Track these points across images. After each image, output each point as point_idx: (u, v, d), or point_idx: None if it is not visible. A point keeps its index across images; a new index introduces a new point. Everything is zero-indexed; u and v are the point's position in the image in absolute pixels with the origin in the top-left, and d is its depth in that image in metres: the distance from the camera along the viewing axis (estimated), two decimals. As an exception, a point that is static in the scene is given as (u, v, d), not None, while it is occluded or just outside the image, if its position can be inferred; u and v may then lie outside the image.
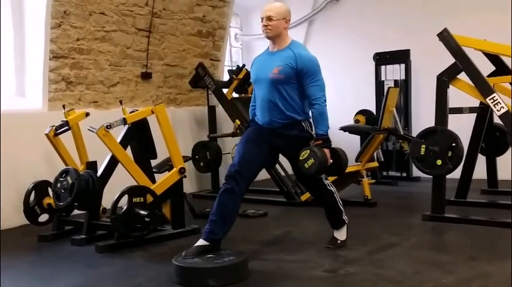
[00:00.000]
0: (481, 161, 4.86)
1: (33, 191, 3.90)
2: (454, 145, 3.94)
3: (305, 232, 3.96)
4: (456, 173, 4.25)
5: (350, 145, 5.74)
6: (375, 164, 5.26)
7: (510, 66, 4.33)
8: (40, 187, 3.93)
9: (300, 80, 3.12)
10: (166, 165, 4.06)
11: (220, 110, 5.84)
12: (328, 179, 3.44)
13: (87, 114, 4.06)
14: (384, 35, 6.61)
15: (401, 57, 6.36)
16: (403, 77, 6.41)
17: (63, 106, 4.15)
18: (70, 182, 3.58)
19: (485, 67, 4.23)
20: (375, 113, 6.11)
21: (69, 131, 4.03)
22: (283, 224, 4.24)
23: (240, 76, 5.68)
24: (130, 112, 3.91)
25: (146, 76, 5.63)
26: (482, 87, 3.88)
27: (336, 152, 3.26)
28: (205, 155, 5.59)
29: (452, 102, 4.15)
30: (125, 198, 3.49)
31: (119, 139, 3.80)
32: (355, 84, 6.95)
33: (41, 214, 3.93)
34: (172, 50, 5.86)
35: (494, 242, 3.49)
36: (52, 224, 3.94)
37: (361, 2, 6.97)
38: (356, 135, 5.91)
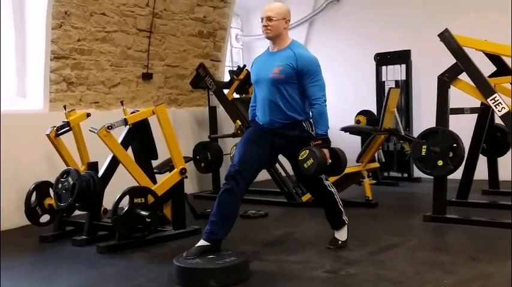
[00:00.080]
0: (482, 161, 4.86)
1: (35, 192, 3.90)
2: (455, 145, 3.94)
3: (306, 233, 3.95)
4: (457, 174, 4.25)
5: (351, 145, 5.74)
6: (376, 164, 5.25)
7: (511, 67, 4.32)
8: (41, 188, 3.93)
9: (301, 80, 3.13)
10: (167, 166, 4.06)
11: (221, 110, 5.84)
12: (328, 179, 3.44)
13: (88, 115, 4.06)
14: (385, 36, 6.61)
15: (402, 57, 6.36)
16: (403, 77, 6.41)
17: (64, 107, 4.15)
18: (71, 182, 3.58)
19: (486, 67, 4.23)
20: (375, 113, 6.11)
21: (70, 132, 4.02)
22: (284, 225, 4.23)
23: (241, 77, 5.68)
24: (131, 113, 3.91)
25: (147, 77, 5.63)
26: (483, 87, 3.87)
27: (335, 152, 3.26)
28: (206, 155, 5.60)
29: (453, 103, 4.15)
30: (126, 199, 3.49)
31: (120, 140, 3.80)
32: (355, 84, 6.95)
33: (42, 215, 3.94)
34: (173, 51, 5.87)
35: (495, 242, 3.49)
36: (53, 224, 3.94)
37: (362, 2, 6.97)
38: (357, 136, 5.91)
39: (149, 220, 3.49)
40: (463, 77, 4.05)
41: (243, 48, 7.71)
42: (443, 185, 4.11)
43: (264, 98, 3.18)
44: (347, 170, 4.60)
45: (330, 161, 3.17)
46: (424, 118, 6.01)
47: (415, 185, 6.05)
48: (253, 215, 4.53)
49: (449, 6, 6.23)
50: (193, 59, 6.07)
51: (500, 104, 3.80)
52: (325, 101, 3.15)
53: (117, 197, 3.46)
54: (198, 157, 5.63)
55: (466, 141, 4.26)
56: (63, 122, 3.99)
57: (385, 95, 5.30)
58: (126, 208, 3.46)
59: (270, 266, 3.09)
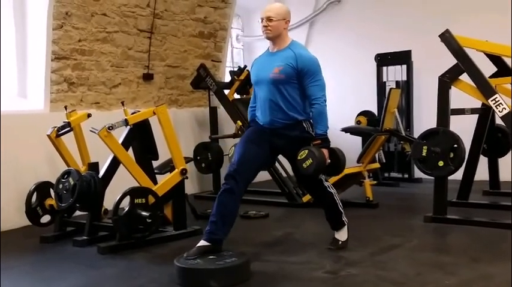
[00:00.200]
0: (482, 162, 4.85)
1: (35, 192, 3.90)
2: (455, 146, 3.94)
3: (306, 233, 3.95)
4: (458, 175, 4.24)
5: (351, 146, 5.74)
6: (377, 165, 5.25)
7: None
8: (42, 188, 3.93)
9: (301, 80, 3.13)
10: (168, 166, 4.06)
11: (221, 111, 5.84)
12: (328, 180, 3.44)
13: (89, 116, 4.06)
14: (386, 36, 6.60)
15: (403, 58, 6.36)
16: (404, 78, 6.41)
17: (65, 107, 4.15)
18: (72, 183, 3.59)
19: (487, 68, 4.23)
20: (376, 114, 6.11)
21: (71, 132, 4.02)
22: (284, 226, 4.23)
23: (242, 77, 5.68)
24: (132, 113, 3.91)
25: (148, 77, 5.63)
26: (484, 88, 3.87)
27: (334, 152, 3.26)
28: (207, 156, 5.60)
29: (454, 103, 4.15)
30: (127, 199, 3.49)
31: (120, 140, 3.81)
32: (356, 85, 6.94)
33: (42, 215, 3.93)
34: (173, 51, 5.87)
35: (496, 243, 3.49)
36: (54, 225, 3.94)
37: (363, 3, 6.97)
38: (358, 137, 5.90)
39: (150, 220, 3.48)
40: (464, 77, 4.05)
41: (243, 48, 7.71)
42: (444, 185, 4.10)
43: (265, 98, 3.18)
44: (348, 171, 4.63)
45: (329, 161, 3.17)
46: (424, 119, 6.00)
47: (416, 186, 6.05)
48: (253, 216, 4.53)
49: (450, 6, 6.22)
50: (194, 60, 6.07)
51: (501, 105, 3.79)
52: (325, 101, 3.16)
53: (118, 198, 3.47)
54: (198, 158, 5.63)
55: (467, 142, 4.26)
56: (64, 122, 3.99)
57: (386, 95, 5.30)
58: (126, 209, 3.46)
59: (271, 267, 3.09)
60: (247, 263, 2.93)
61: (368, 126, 5.67)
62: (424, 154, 4.01)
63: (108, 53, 5.20)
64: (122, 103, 4.02)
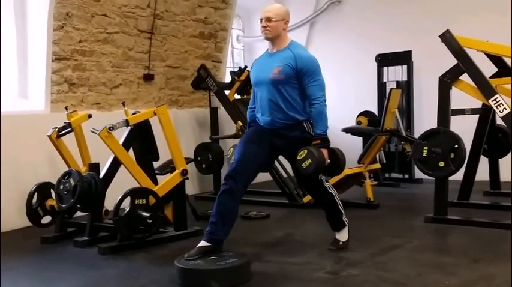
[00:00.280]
0: (483, 162, 4.85)
1: (36, 193, 3.90)
2: (456, 146, 3.93)
3: (307, 234, 3.95)
4: (459, 175, 4.23)
5: (352, 146, 5.74)
6: (377, 165, 5.25)
7: (512, 68, 4.32)
8: (43, 189, 3.93)
9: (300, 80, 3.13)
10: (169, 167, 4.06)
11: (222, 111, 5.84)
12: (328, 181, 3.44)
13: (90, 116, 4.06)
14: (386, 36, 6.61)
15: (404, 58, 6.36)
16: (405, 78, 6.41)
17: (66, 108, 4.15)
18: (72, 183, 3.59)
19: (488, 68, 4.23)
20: (377, 114, 6.11)
21: (72, 133, 4.03)
22: (285, 226, 4.23)
23: (242, 78, 5.68)
24: (133, 114, 3.91)
25: (148, 78, 5.63)
26: (485, 88, 3.87)
27: (334, 152, 3.25)
28: (208, 156, 5.60)
29: (454, 104, 4.15)
30: (128, 200, 3.49)
31: (121, 141, 3.81)
32: (357, 85, 6.94)
33: (43, 216, 3.93)
34: (174, 52, 5.87)
35: (497, 244, 3.48)
36: (54, 226, 3.94)
37: (363, 3, 6.98)
38: (358, 137, 5.91)
39: (150, 221, 3.48)
40: (465, 78, 4.04)
41: (244, 49, 7.72)
42: (444, 186, 4.10)
43: (265, 98, 3.19)
44: (348, 171, 4.63)
45: (329, 161, 3.17)
46: (425, 119, 6.00)
47: (417, 186, 6.04)
48: (254, 216, 4.53)
49: (450, 7, 6.23)
50: (195, 60, 6.07)
51: (501, 105, 3.79)
52: (324, 100, 3.16)
53: (119, 198, 3.46)
54: (199, 158, 5.63)
55: (468, 143, 4.26)
56: (64, 123, 3.99)
57: (387, 96, 5.30)
58: (127, 209, 3.46)
59: (271, 268, 3.09)
60: (248, 264, 2.93)
61: (368, 127, 5.67)
62: (424, 154, 4.01)
63: (109, 54, 5.20)
64: (123, 104, 4.02)
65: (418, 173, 5.59)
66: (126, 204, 3.50)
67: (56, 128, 4.00)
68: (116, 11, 5.18)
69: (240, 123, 5.29)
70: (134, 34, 5.39)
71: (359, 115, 6.07)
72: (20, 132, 4.44)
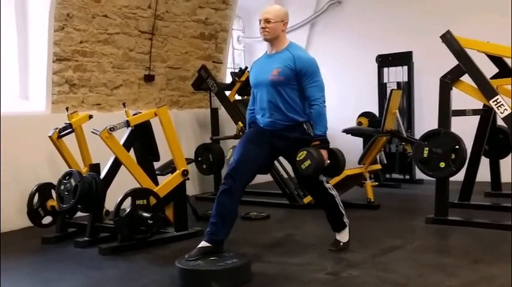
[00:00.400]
0: (484, 163, 4.85)
1: (37, 193, 3.90)
2: (457, 147, 3.93)
3: (308, 235, 3.95)
4: (459, 176, 4.23)
5: (353, 147, 5.74)
6: (378, 166, 5.25)
7: (513, 68, 4.32)
8: (43, 189, 3.93)
9: (299, 82, 3.13)
10: (169, 167, 4.06)
11: (222, 112, 5.85)
12: (329, 182, 3.44)
13: (91, 117, 4.06)
14: (387, 37, 6.61)
15: (404, 59, 6.36)
16: (405, 79, 6.41)
17: (67, 108, 4.15)
18: (73, 184, 3.59)
19: (489, 69, 4.22)
20: (377, 115, 6.11)
21: (73, 134, 4.03)
22: (285, 227, 4.23)
23: (243, 78, 5.68)
24: (134, 114, 3.91)
25: (149, 78, 5.64)
26: (486, 89, 3.87)
27: (334, 152, 3.25)
28: (208, 157, 5.60)
29: (455, 105, 4.15)
30: (128, 200, 3.49)
31: (122, 141, 3.81)
32: (357, 86, 6.94)
33: (44, 216, 3.94)
34: (175, 53, 5.87)
35: (498, 245, 3.48)
36: (55, 226, 3.94)
37: (363, 4, 6.98)
38: (359, 138, 5.91)
39: (151, 221, 3.49)
40: (465, 78, 4.04)
41: (244, 50, 7.72)
42: (445, 187, 4.10)
43: (264, 100, 3.18)
44: (349, 172, 4.63)
45: (328, 161, 3.17)
46: (426, 120, 6.00)
47: (417, 187, 6.04)
48: (254, 217, 4.53)
49: (450, 7, 6.23)
50: (195, 61, 6.07)
51: (502, 106, 3.79)
52: (324, 101, 3.15)
53: (119, 199, 3.46)
54: (199, 159, 5.64)
55: (468, 143, 4.25)
56: (65, 123, 3.99)
57: (387, 96, 5.30)
58: (128, 210, 3.47)
59: (272, 268, 3.09)
60: (248, 265, 2.93)
61: (369, 128, 5.67)
62: (425, 155, 4.01)
63: (110, 55, 5.21)
64: (123, 104, 4.02)
65: (419, 174, 5.59)
66: (127, 205, 3.50)
67: (57, 128, 4.01)
68: (116, 12, 5.18)
69: (240, 123, 5.29)
70: (135, 35, 5.40)
71: (359, 116, 6.07)
72: (20, 133, 4.44)
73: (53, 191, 3.90)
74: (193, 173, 5.55)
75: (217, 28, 6.30)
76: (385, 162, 5.70)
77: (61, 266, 3.33)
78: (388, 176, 6.44)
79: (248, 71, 5.59)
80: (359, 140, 6.00)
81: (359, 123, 5.95)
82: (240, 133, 5.23)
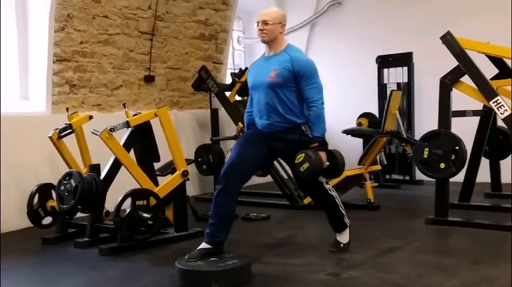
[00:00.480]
0: (484, 164, 4.85)
1: (37, 194, 3.90)
2: (457, 148, 3.93)
3: (308, 236, 3.95)
4: (459, 177, 4.24)
5: (353, 148, 5.75)
6: (378, 167, 5.25)
7: (513, 69, 4.32)
8: (44, 190, 3.93)
9: (298, 83, 3.13)
10: (169, 168, 4.06)
11: (222, 113, 5.85)
12: (329, 183, 3.43)
13: (91, 117, 4.06)
14: (387, 38, 6.61)
15: (404, 60, 6.36)
16: (405, 79, 6.41)
17: (67, 109, 4.15)
18: (73, 185, 3.59)
19: (489, 70, 4.23)
20: (377, 116, 6.11)
21: (73, 134, 4.03)
22: (286, 228, 4.23)
23: (243, 79, 5.68)
24: (134, 115, 3.91)
25: (149, 79, 5.64)
26: (486, 90, 3.87)
27: (333, 154, 3.24)
28: (208, 158, 5.60)
29: (455, 105, 4.15)
30: (128, 201, 3.49)
31: (122, 142, 3.81)
32: (357, 87, 6.95)
33: (44, 217, 3.94)
34: (175, 53, 5.87)
35: (498, 246, 3.48)
36: (55, 226, 3.94)
37: (364, 4, 6.98)
38: (359, 139, 5.91)
39: (151, 222, 3.49)
40: (465, 79, 4.04)
41: (244, 50, 7.72)
42: (445, 187, 4.10)
43: (262, 102, 3.17)
44: (349, 173, 4.63)
45: (328, 163, 3.16)
46: (426, 121, 6.00)
47: (417, 188, 6.04)
48: (255, 218, 4.53)
49: (451, 8, 6.23)
50: (195, 62, 6.08)
51: (502, 107, 3.79)
52: (322, 103, 3.15)
53: (119, 199, 3.47)
54: (199, 159, 5.63)
55: (468, 144, 4.26)
56: (65, 124, 3.99)
57: (387, 97, 5.30)
58: (128, 210, 3.47)
59: (272, 269, 3.09)
60: (249, 265, 2.93)
61: (369, 128, 5.66)
62: (425, 155, 4.01)
63: (110, 55, 5.21)
64: (124, 105, 4.02)
65: (419, 175, 5.58)
66: (127, 205, 3.50)
67: (57, 129, 4.00)
68: (116, 13, 5.18)
69: (240, 124, 5.29)
70: (135, 35, 5.40)
71: (359, 117, 6.07)
72: (21, 133, 4.44)
73: (53, 191, 3.90)
74: (193, 173, 5.55)
75: (217, 29, 6.31)
76: (385, 163, 5.70)
77: (61, 266, 3.33)
78: (388, 177, 6.44)
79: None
80: (359, 141, 6.00)
81: (359, 124, 5.94)
82: (240, 134, 5.23)
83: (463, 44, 3.98)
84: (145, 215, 3.48)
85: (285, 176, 5.27)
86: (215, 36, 6.31)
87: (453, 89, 4.10)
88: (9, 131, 4.30)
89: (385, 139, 5.05)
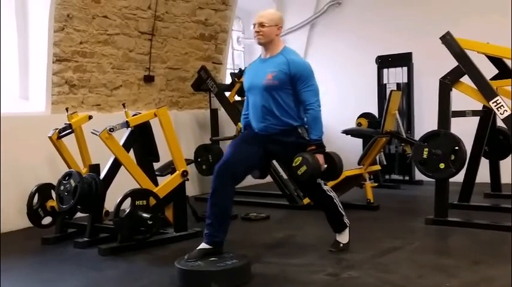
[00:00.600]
0: (484, 164, 4.85)
1: (37, 194, 3.90)
2: (457, 148, 3.93)
3: (308, 236, 3.95)
4: (459, 177, 4.24)
5: (352, 148, 5.76)
6: (378, 167, 5.25)
7: (513, 70, 4.32)
8: (43, 190, 3.93)
9: (294, 86, 3.12)
10: (169, 168, 4.06)
11: (222, 113, 5.85)
12: (327, 184, 3.43)
13: (90, 117, 4.06)
14: (386, 38, 6.61)
15: (404, 60, 6.36)
16: (405, 80, 6.42)
17: (66, 109, 4.15)
18: (73, 185, 3.59)
19: (488, 70, 4.23)
20: (377, 116, 6.11)
21: (72, 134, 4.03)
22: (285, 228, 4.23)
23: (242, 79, 5.68)
24: (133, 115, 3.91)
25: (149, 79, 5.64)
26: (485, 90, 3.87)
27: (330, 157, 3.23)
28: (208, 158, 5.60)
29: (455, 106, 4.15)
30: (128, 201, 3.49)
31: (121, 142, 3.81)
32: (357, 87, 6.95)
33: (44, 217, 3.93)
34: (174, 53, 5.87)
35: (498, 246, 3.48)
36: (55, 226, 3.94)
37: (363, 5, 6.98)
38: (358, 139, 5.91)
39: (151, 222, 3.49)
40: (465, 79, 4.05)
41: (244, 51, 7.72)
42: (445, 188, 4.10)
43: (258, 104, 3.16)
44: (348, 173, 4.63)
45: (326, 166, 3.16)
46: (425, 121, 6.00)
47: (417, 188, 6.04)
48: (254, 218, 4.53)
49: (450, 8, 6.24)
50: (195, 62, 6.07)
51: (502, 107, 3.79)
52: (319, 105, 3.14)
53: (119, 200, 3.47)
54: (199, 159, 5.64)
55: (468, 144, 4.26)
56: (65, 124, 3.99)
57: (387, 97, 5.30)
58: (127, 210, 3.46)
59: (272, 269, 3.09)
60: (248, 265, 2.93)
61: (369, 129, 5.67)
62: (425, 156, 4.01)
63: (109, 55, 5.21)
64: (123, 105, 4.02)
65: (419, 175, 5.58)
66: (127, 205, 3.50)
67: (57, 129, 4.00)
68: (116, 13, 5.18)
69: (240, 124, 5.25)
70: (135, 36, 5.40)
71: (359, 117, 6.07)
72: (20, 133, 4.44)
73: (52, 191, 3.90)
74: (193, 173, 5.56)
75: (217, 29, 6.31)
76: (385, 163, 5.71)
77: (61, 266, 3.32)
78: (387, 177, 6.44)
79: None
80: (358, 141, 6.00)
81: (359, 124, 5.95)
82: (240, 134, 5.24)
83: (463, 44, 3.98)
84: (145, 215, 3.48)
85: (285, 176, 5.27)
86: (215, 37, 6.31)
87: (453, 89, 4.10)
88: (9, 131, 4.30)
89: (384, 139, 5.06)
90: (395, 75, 6.47)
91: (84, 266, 3.29)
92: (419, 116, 6.41)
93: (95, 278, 3.09)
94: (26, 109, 4.75)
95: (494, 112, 3.95)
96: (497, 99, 3.81)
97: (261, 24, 3.14)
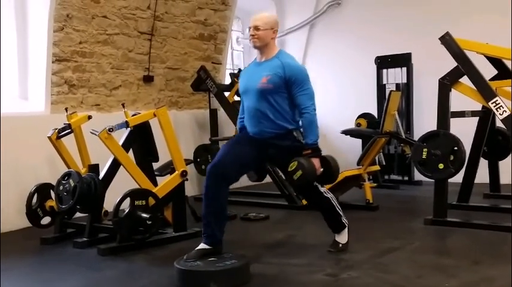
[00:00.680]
0: (483, 165, 4.85)
1: (36, 194, 3.90)
2: (456, 148, 3.94)
3: (307, 236, 3.95)
4: (458, 177, 4.24)
5: (351, 148, 5.76)
6: (377, 167, 5.25)
7: (512, 70, 4.33)
8: (42, 190, 3.93)
9: (289, 90, 3.11)
10: (168, 168, 4.06)
11: (221, 113, 5.85)
12: (324, 186, 3.43)
13: (90, 117, 4.07)
14: (386, 38, 6.61)
15: (403, 60, 6.37)
16: (404, 80, 6.42)
17: (66, 109, 4.15)
18: (72, 184, 3.59)
19: (488, 71, 4.23)
20: (376, 116, 6.11)
21: (72, 134, 4.03)
22: (285, 228, 4.23)
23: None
24: (133, 115, 3.91)
25: (148, 79, 5.64)
26: (485, 90, 3.87)
27: (326, 160, 3.22)
28: (207, 158, 5.60)
29: (454, 106, 4.15)
30: (127, 201, 3.49)
31: (121, 142, 3.81)
32: (356, 87, 6.94)
33: (43, 217, 3.93)
34: (174, 53, 5.87)
35: (497, 246, 3.48)
36: (54, 226, 3.94)
37: (363, 5, 6.99)
38: (358, 139, 5.91)
39: (150, 222, 3.49)
40: (464, 80, 4.05)
41: (243, 51, 7.72)
42: (444, 188, 4.10)
43: (253, 108, 3.15)
44: (348, 173, 4.63)
45: (322, 169, 3.15)
46: (425, 121, 6.00)
47: (416, 188, 6.05)
48: (253, 218, 4.53)
49: (450, 9, 6.24)
50: (194, 62, 6.07)
51: (501, 108, 3.80)
52: (314, 109, 3.13)
53: (118, 200, 3.46)
54: (198, 159, 5.64)
55: (467, 145, 4.26)
56: (64, 124, 4.00)
57: (386, 98, 5.31)
58: (127, 210, 3.46)
59: (271, 269, 3.09)
60: (247, 266, 2.93)
61: (368, 129, 5.67)
62: (424, 156, 4.01)
63: (109, 55, 5.21)
64: (123, 105, 4.02)
65: (418, 175, 5.59)
66: (126, 205, 3.50)
67: (56, 129, 4.01)
68: (116, 13, 5.18)
69: (239, 125, 5.29)
70: (134, 36, 5.40)
71: (358, 117, 6.07)
72: (20, 133, 4.44)
73: (52, 191, 3.90)
74: (192, 174, 5.56)
75: (216, 29, 6.31)
76: (384, 163, 5.71)
77: (60, 266, 3.32)
78: (386, 177, 6.44)
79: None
80: (358, 141, 6.00)
81: (358, 124, 5.95)
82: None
83: (462, 44, 3.98)
84: (144, 215, 3.48)
85: (284, 177, 5.28)
86: (214, 37, 6.31)
87: (452, 89, 4.10)
88: (9, 131, 4.30)
89: (384, 140, 5.06)
90: (394, 76, 6.47)
91: (83, 266, 3.29)
92: (418, 116, 6.41)
93: (94, 278, 3.09)
94: (25, 109, 4.75)
95: (494, 113, 3.95)
96: (497, 100, 3.81)
97: (256, 28, 3.13)
